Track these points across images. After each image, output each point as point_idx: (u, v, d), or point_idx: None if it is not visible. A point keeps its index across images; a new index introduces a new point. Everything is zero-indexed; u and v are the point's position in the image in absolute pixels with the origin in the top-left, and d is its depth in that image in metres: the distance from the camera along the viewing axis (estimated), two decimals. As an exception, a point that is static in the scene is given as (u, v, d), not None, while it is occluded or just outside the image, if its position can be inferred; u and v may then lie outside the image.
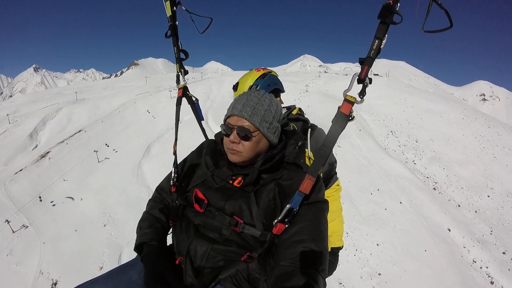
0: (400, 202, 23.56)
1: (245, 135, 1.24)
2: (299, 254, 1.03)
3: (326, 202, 1.21)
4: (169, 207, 1.40)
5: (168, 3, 1.56)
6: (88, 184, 24.92)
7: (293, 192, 1.14)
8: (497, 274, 20.47)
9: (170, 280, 1.13)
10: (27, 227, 20.63)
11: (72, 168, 26.02)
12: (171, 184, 1.40)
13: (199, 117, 1.79)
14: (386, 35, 1.03)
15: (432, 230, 21.41)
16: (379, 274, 18.51)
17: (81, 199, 22.96)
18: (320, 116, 34.27)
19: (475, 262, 20.73)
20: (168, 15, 1.57)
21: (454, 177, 31.02)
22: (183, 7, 1.60)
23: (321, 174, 1.53)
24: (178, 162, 1.47)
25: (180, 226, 1.30)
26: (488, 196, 28.61)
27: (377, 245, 19.97)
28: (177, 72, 1.68)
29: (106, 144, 30.04)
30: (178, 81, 1.69)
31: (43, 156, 27.88)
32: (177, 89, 1.70)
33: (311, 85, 48.15)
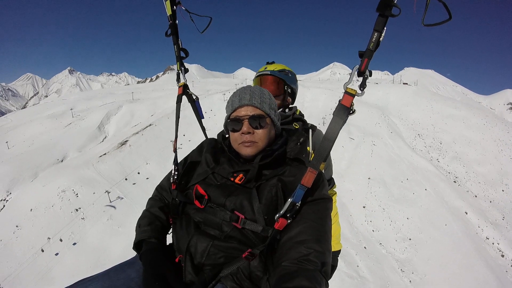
0: (425, 189, 27.48)
1: (258, 123, 1.25)
2: (302, 255, 1.00)
3: (330, 200, 1.19)
4: (169, 205, 1.38)
5: (168, 2, 1.58)
6: (168, 167, 30.12)
7: (295, 188, 1.11)
8: (507, 250, 23.81)
9: (170, 279, 1.09)
10: (122, 198, 26.14)
11: (153, 154, 31.50)
12: (171, 181, 1.39)
13: (199, 115, 1.76)
14: (385, 28, 1.05)
15: (451, 211, 25.21)
16: (410, 239, 22.66)
17: (166, 178, 28.46)
18: (358, 120, 38.57)
19: (488, 239, 24.22)
20: (168, 14, 1.60)
21: (473, 173, 34.09)
22: (182, 7, 1.62)
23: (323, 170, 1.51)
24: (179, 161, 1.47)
25: (180, 223, 1.27)
26: (503, 191, 31.61)
27: (407, 218, 24.09)
28: (177, 70, 1.68)
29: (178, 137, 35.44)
30: (178, 79, 1.69)
31: (123, 144, 33.82)
32: (177, 87, 1.69)
33: (347, 93, 51.76)
